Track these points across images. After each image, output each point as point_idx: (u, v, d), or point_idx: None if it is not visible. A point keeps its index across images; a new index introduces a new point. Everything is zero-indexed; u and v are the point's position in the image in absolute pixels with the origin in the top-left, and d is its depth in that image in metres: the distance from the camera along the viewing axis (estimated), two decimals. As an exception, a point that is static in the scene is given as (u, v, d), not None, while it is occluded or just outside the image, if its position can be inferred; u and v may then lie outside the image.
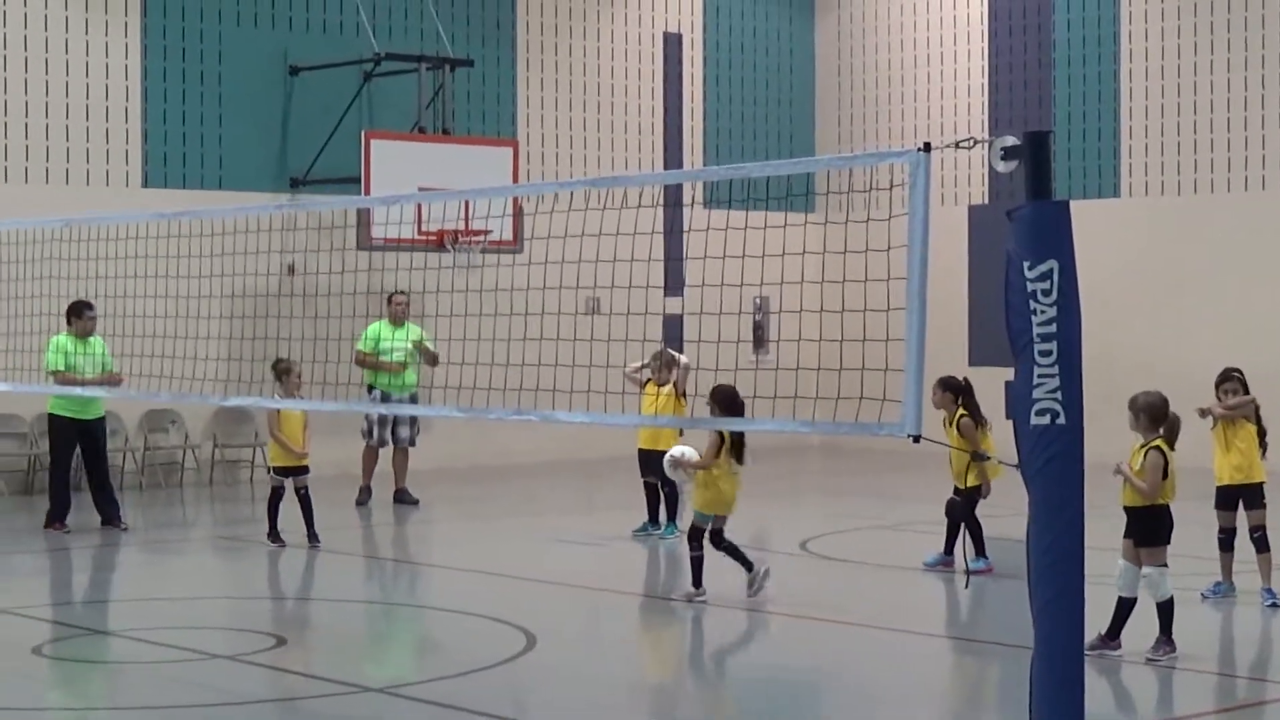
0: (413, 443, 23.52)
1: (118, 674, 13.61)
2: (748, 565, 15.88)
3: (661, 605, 16.14)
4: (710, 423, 15.94)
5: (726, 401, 15.57)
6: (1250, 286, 26.85)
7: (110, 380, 20.98)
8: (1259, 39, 27.46)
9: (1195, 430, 14.74)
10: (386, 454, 23.65)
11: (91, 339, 21.24)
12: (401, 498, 23.15)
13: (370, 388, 22.82)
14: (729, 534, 15.92)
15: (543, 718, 11.96)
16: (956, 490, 17.28)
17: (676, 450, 16.73)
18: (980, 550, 17.02)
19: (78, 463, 21.65)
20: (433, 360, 22.61)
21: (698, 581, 15.83)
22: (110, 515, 21.23)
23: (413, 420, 23.20)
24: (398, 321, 23.12)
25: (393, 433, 23.30)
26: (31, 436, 24.01)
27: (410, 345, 23.08)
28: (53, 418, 21.41)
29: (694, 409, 18.34)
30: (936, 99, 31.42)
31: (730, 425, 15.79)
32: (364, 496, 23.27)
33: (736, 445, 15.77)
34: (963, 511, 16.98)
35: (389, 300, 23.42)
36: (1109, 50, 29.21)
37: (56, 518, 21.09)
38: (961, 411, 17.10)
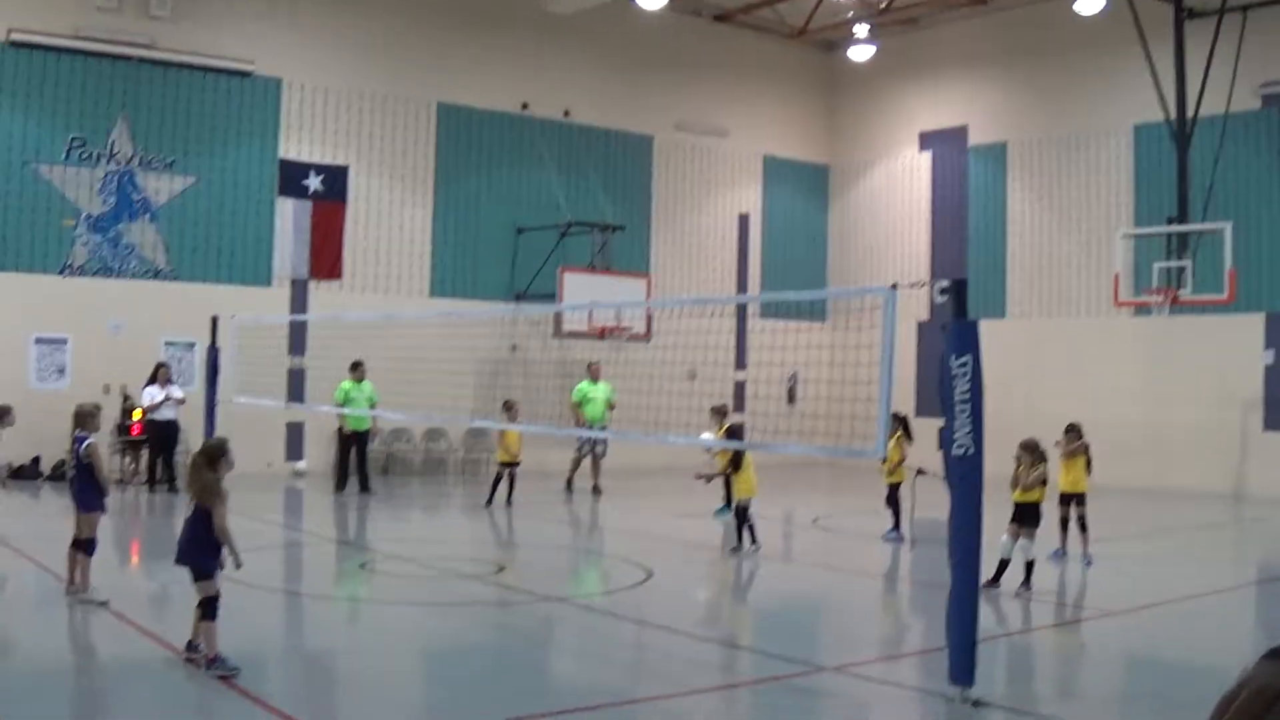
0: (603, 455, 23.13)
1: (407, 580, 13.83)
2: (754, 539, 16.07)
3: (728, 555, 16.10)
4: (746, 445, 15.99)
5: (731, 432, 16.76)
6: (1075, 370, 27.02)
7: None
8: (1085, 228, 27.81)
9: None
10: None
11: (364, 383, 21.71)
12: (595, 489, 22.69)
13: (579, 421, 22.63)
14: (753, 515, 16.10)
15: (656, 620, 11.97)
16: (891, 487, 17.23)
17: (706, 436, 17.58)
18: (897, 525, 17.16)
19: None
20: (612, 408, 22.53)
21: (740, 539, 16.07)
22: (366, 486, 21.85)
23: (605, 441, 22.66)
24: (595, 379, 22.91)
25: (594, 448, 23.07)
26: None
27: (603, 399, 22.58)
28: (340, 430, 22.16)
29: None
30: (899, 256, 31.45)
31: (766, 448, 16.56)
32: (569, 487, 22.91)
33: (739, 458, 16.14)
34: (891, 497, 17.22)
35: (589, 366, 23.24)
36: (1001, 230, 29.47)
37: (339, 487, 21.76)
38: (901, 433, 17.02)
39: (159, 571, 13.81)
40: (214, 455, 9.37)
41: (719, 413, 18.34)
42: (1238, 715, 1.97)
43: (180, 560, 9.31)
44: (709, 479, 17.40)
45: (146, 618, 11.05)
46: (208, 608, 9.09)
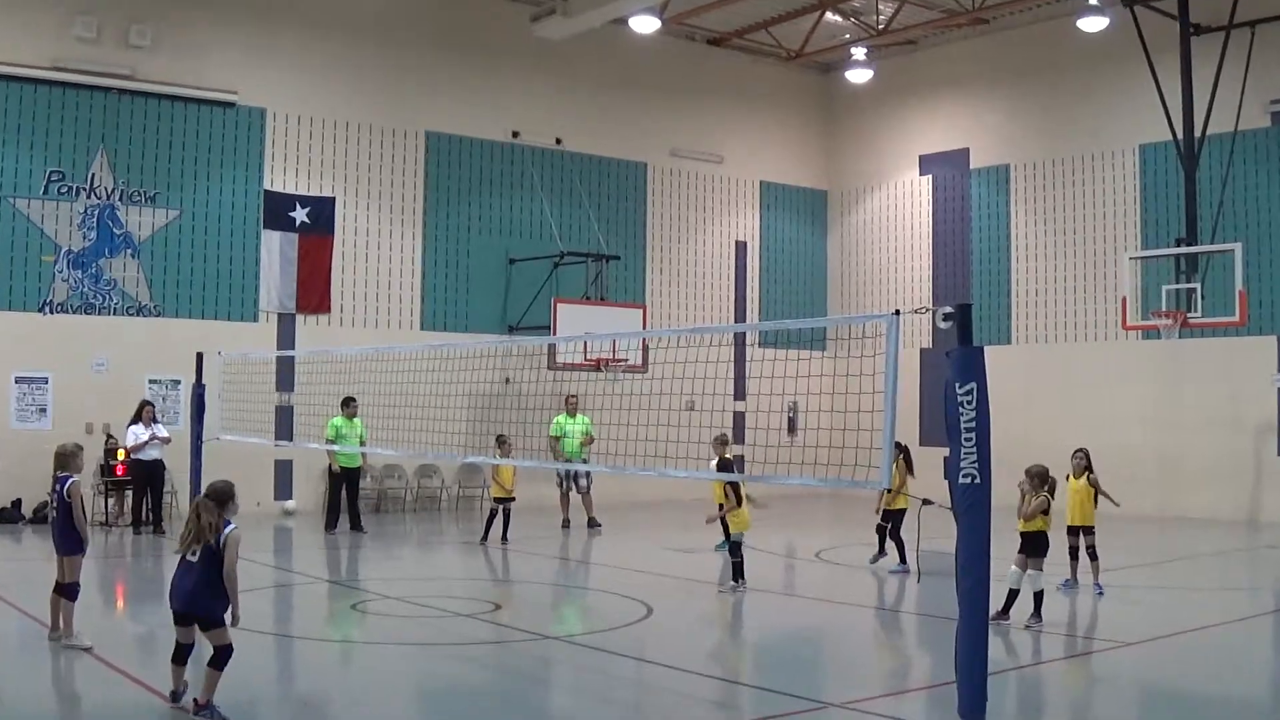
0: (588, 490, 23.01)
1: (401, 621, 13.71)
2: (736, 577, 15.76)
3: (729, 590, 15.77)
4: (744, 477, 16.15)
5: (722, 465, 16.44)
6: (1083, 395, 27.01)
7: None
8: (1091, 250, 27.93)
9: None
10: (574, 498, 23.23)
11: (355, 420, 21.71)
12: (592, 524, 22.65)
13: (557, 455, 22.65)
14: (745, 551, 15.97)
15: (657, 657, 11.99)
16: (885, 515, 17.31)
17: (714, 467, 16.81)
18: (903, 559, 17.17)
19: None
20: (590, 442, 22.64)
21: (737, 576, 15.79)
22: (358, 524, 21.87)
23: (587, 475, 22.78)
24: (572, 413, 23.06)
25: (575, 483, 23.12)
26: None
27: (580, 433, 22.71)
28: (330, 468, 22.09)
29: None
30: (901, 282, 31.60)
31: (766, 480, 16.27)
32: (565, 524, 22.87)
33: (737, 490, 15.90)
34: (894, 530, 17.30)
35: (566, 400, 23.33)
36: (1004, 254, 29.45)
37: (330, 526, 21.75)
38: (903, 462, 16.92)
39: (144, 616, 13.72)
40: (223, 498, 9.22)
41: (720, 443, 18.22)
42: None
43: (187, 608, 9.08)
44: (715, 518, 17.02)
45: (132, 663, 10.91)
46: (219, 656, 8.95)
